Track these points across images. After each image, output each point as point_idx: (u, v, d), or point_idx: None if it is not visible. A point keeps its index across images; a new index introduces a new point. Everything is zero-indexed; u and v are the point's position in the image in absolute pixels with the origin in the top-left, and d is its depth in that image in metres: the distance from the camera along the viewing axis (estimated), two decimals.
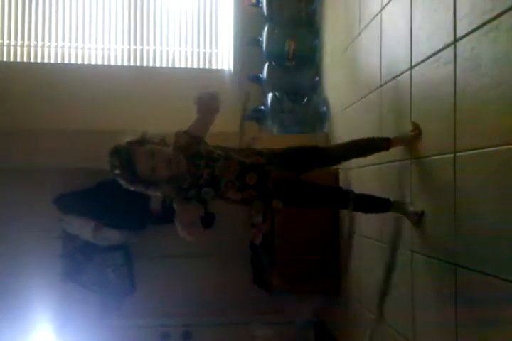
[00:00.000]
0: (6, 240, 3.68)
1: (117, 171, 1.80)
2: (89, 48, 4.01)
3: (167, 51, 4.09)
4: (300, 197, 2.09)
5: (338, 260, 3.31)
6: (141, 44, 4.06)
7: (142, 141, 1.83)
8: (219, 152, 1.95)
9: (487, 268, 1.58)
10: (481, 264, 1.61)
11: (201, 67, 4.12)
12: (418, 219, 2.04)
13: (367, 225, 2.76)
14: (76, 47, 4.00)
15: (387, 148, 2.18)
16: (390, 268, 2.45)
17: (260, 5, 3.84)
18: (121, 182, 1.82)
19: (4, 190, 3.68)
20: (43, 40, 3.95)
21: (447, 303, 1.82)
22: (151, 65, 4.07)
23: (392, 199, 2.15)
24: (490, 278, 1.55)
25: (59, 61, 3.97)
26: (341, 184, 3.21)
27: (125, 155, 1.78)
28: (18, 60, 3.92)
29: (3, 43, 3.90)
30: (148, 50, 4.07)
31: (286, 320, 3.90)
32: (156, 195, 1.94)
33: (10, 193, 3.68)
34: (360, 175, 2.85)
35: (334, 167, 3.31)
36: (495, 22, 1.52)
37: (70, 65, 3.99)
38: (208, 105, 1.96)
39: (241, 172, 1.94)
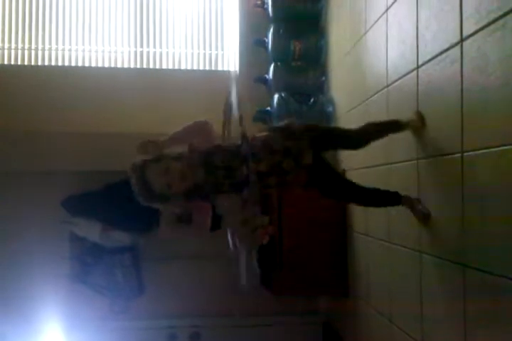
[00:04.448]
0: (14, 241, 3.69)
1: (135, 189, 1.84)
2: (96, 51, 4.03)
3: (173, 53, 4.10)
4: (326, 179, 2.10)
5: (345, 261, 3.30)
6: (147, 46, 4.07)
7: (158, 159, 1.87)
8: (234, 161, 1.93)
9: (496, 268, 1.57)
10: (490, 264, 1.60)
11: (207, 68, 4.12)
12: (424, 219, 2.05)
13: (375, 226, 2.75)
14: (83, 50, 4.01)
15: (400, 128, 2.19)
16: (398, 269, 2.44)
17: (265, 6, 3.84)
18: (140, 199, 1.86)
19: (13, 192, 3.70)
20: (50, 43, 3.97)
21: (456, 304, 1.82)
22: (157, 66, 4.08)
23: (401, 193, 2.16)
24: (499, 279, 1.54)
25: (66, 64, 3.99)
26: None
27: (140, 174, 1.83)
28: (26, 63, 3.94)
29: (10, 47, 3.92)
30: (155, 52, 4.08)
31: (293, 320, 3.90)
32: (174, 209, 1.98)
33: (19, 195, 3.70)
34: (367, 176, 2.85)
35: (341, 168, 3.31)
36: (501, 21, 1.52)
37: (77, 67, 4.00)
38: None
39: (260, 178, 1.94)
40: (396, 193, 2.15)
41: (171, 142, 1.99)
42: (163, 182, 1.82)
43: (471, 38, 1.69)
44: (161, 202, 1.88)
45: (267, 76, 3.82)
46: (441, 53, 1.91)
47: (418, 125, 2.10)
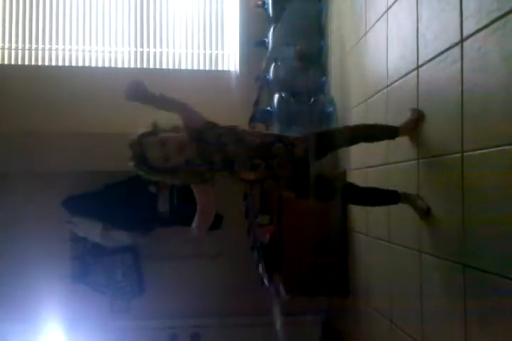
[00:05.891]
0: (15, 242, 3.70)
1: (132, 164, 1.84)
2: (97, 51, 4.03)
3: (173, 53, 4.10)
4: (314, 187, 2.08)
5: (346, 261, 3.30)
6: (148, 46, 4.07)
7: (155, 132, 1.87)
8: (228, 136, 1.95)
9: (496, 268, 1.57)
10: (490, 264, 1.60)
11: (207, 68, 4.13)
12: (424, 215, 2.05)
13: (375, 226, 2.75)
14: (83, 50, 4.02)
15: (395, 135, 2.19)
16: (398, 269, 2.44)
17: (266, 6, 3.85)
18: (140, 173, 1.87)
19: (14, 192, 3.71)
20: (50, 43, 3.98)
21: (456, 304, 1.82)
22: (157, 67, 4.08)
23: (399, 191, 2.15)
24: (499, 278, 1.54)
25: (66, 64, 4.00)
26: None
27: (136, 148, 1.83)
28: (26, 63, 3.95)
29: (11, 47, 3.93)
30: (155, 52, 4.08)
31: (293, 320, 3.90)
32: (174, 182, 1.98)
33: (20, 196, 3.70)
34: (367, 176, 2.85)
35: (341, 168, 3.32)
36: (501, 21, 1.52)
37: (77, 67, 4.01)
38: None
39: (250, 156, 1.95)
40: (395, 192, 2.15)
41: (156, 99, 1.96)
42: (160, 155, 1.82)
43: (472, 38, 1.69)
44: (162, 174, 1.87)
45: (267, 76, 3.82)
46: (441, 53, 1.91)
47: (416, 118, 2.10)
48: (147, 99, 1.94)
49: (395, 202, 2.15)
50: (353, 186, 2.19)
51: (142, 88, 1.91)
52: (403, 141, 2.25)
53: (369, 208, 2.79)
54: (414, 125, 2.12)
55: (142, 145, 1.83)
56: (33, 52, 3.96)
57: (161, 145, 1.82)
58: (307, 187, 2.06)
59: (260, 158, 1.96)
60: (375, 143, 2.36)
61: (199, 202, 1.96)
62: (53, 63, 3.98)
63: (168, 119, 1.95)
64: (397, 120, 2.29)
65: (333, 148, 2.32)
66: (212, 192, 1.97)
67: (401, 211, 2.22)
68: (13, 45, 3.94)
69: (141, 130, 1.89)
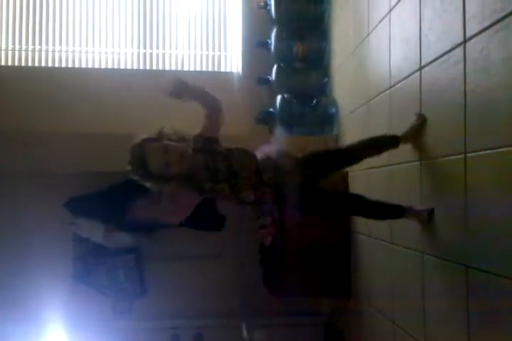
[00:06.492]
0: (18, 243, 3.70)
1: (130, 167, 1.84)
2: (100, 52, 4.04)
3: (176, 54, 4.11)
4: (319, 206, 2.09)
5: (348, 262, 3.30)
6: (151, 47, 4.08)
7: (159, 138, 1.87)
8: (237, 151, 1.96)
9: (499, 269, 1.57)
10: (493, 265, 1.60)
11: (210, 70, 4.14)
12: (430, 216, 2.03)
13: (377, 227, 2.75)
14: (86, 52, 4.03)
15: (397, 145, 2.18)
16: (400, 270, 2.44)
17: (268, 7, 3.85)
18: (135, 178, 1.86)
19: (17, 193, 3.71)
20: (53, 44, 3.99)
21: (459, 305, 1.82)
22: (160, 68, 4.09)
23: (403, 205, 2.14)
24: (502, 279, 1.54)
25: (70, 65, 4.01)
26: (350, 186, 3.21)
27: (138, 151, 1.83)
28: (30, 64, 3.96)
29: (14, 48, 3.94)
30: (158, 54, 4.09)
31: (296, 321, 3.90)
32: (168, 191, 1.94)
33: (22, 197, 3.70)
34: (369, 177, 2.85)
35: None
36: (504, 22, 1.52)
37: (81, 68, 4.02)
38: (213, 102, 1.99)
39: (258, 169, 1.94)
40: (400, 206, 2.12)
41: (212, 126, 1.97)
42: (162, 161, 1.81)
43: (474, 39, 1.69)
44: (156, 181, 1.86)
45: (269, 77, 3.83)
46: (444, 54, 1.91)
47: (419, 123, 2.09)
48: (192, 94, 1.96)
49: (400, 216, 2.12)
50: (359, 199, 2.15)
51: (185, 84, 1.93)
52: None
53: None
54: (417, 131, 2.11)
55: (144, 149, 1.83)
56: (37, 53, 3.97)
57: (164, 152, 1.82)
58: (310, 206, 2.07)
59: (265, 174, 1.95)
60: None
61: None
62: (56, 65, 4.00)
63: (175, 129, 1.95)
64: (399, 121, 2.30)
65: (333, 169, 2.31)
66: (195, 203, 1.95)
67: None
68: (17, 47, 3.95)
69: (146, 135, 1.88)
